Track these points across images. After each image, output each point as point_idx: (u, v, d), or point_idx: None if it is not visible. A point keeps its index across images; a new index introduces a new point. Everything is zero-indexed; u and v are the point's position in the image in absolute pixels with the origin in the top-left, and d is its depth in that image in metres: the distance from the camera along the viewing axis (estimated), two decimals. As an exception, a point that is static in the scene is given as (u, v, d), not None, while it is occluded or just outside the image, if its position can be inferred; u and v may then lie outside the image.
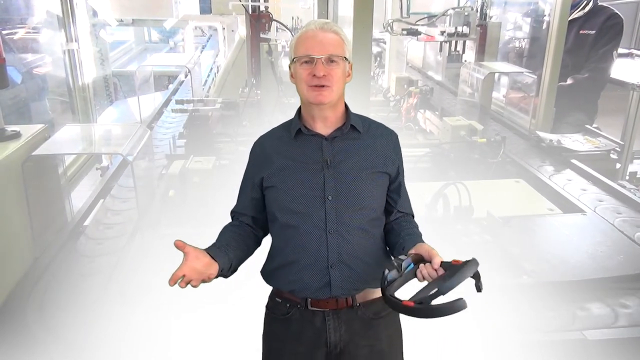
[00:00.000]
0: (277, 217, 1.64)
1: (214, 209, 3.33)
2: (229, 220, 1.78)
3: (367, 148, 1.66)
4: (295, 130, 1.65)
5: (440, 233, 3.02)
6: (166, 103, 6.24)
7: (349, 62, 1.62)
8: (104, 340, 2.33)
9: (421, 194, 3.29)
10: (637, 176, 4.73)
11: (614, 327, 2.41)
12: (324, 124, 1.65)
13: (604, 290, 2.66)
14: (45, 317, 2.51)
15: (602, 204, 3.57)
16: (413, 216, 1.78)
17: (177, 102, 4.72)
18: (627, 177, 4.68)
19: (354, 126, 1.66)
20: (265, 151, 1.69)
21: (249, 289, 1.75)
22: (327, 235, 1.59)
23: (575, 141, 4.65)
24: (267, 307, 1.73)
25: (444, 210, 3.16)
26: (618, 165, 4.61)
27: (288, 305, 1.65)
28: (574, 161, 4.27)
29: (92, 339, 2.35)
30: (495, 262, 2.82)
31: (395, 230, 1.69)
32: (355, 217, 1.61)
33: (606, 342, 2.32)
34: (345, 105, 1.69)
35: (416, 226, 1.71)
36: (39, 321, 2.47)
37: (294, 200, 1.60)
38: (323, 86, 1.55)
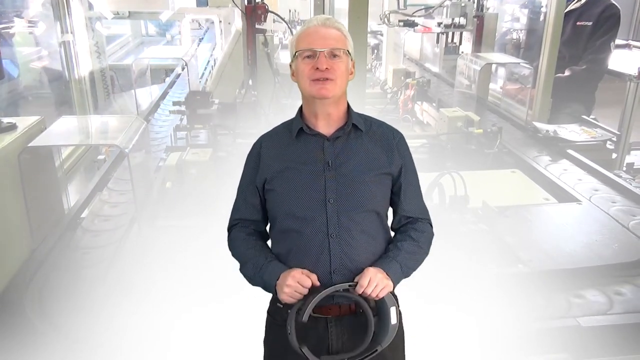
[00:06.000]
0: (278, 222, 1.62)
1: (211, 201, 3.34)
2: (227, 213, 1.74)
3: (369, 148, 1.62)
4: (297, 129, 1.62)
5: (436, 222, 3.03)
6: (163, 96, 6.24)
7: (351, 59, 1.60)
8: (104, 329, 2.34)
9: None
10: (635, 167, 4.75)
11: (608, 314, 2.43)
12: (326, 122, 1.61)
13: (599, 278, 2.67)
14: (44, 307, 2.51)
15: (598, 193, 3.58)
16: (428, 220, 1.72)
17: (175, 103, 4.74)
18: (624, 168, 4.69)
19: (356, 125, 1.63)
20: (265, 152, 1.66)
21: (250, 293, 1.73)
22: (329, 240, 1.55)
23: (571, 132, 4.66)
24: (268, 312, 1.70)
25: (439, 199, 3.18)
26: (614, 156, 4.62)
27: (289, 310, 1.60)
28: (570, 151, 4.28)
29: (92, 328, 2.35)
30: (491, 251, 2.83)
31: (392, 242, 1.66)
32: (357, 220, 1.57)
33: (601, 328, 2.34)
34: (347, 104, 1.66)
35: (411, 236, 1.64)
36: (37, 312, 2.48)
37: (295, 204, 1.57)
38: (326, 79, 1.52)
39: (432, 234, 1.72)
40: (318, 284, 1.52)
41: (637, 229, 3.09)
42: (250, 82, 4.84)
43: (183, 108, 4.51)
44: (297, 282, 1.50)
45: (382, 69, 6.92)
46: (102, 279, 2.72)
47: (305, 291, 1.50)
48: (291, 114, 1.69)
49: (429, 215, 1.74)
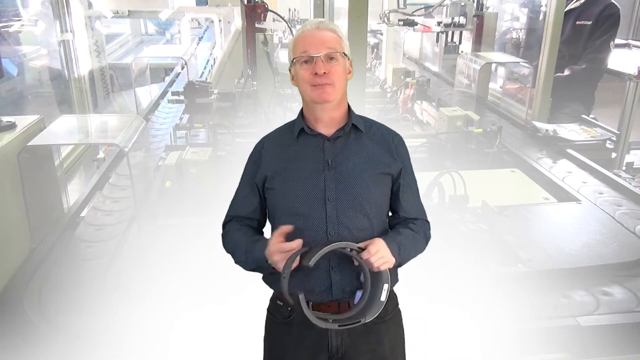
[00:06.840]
0: (277, 220, 1.62)
1: (211, 200, 3.34)
2: (225, 211, 1.74)
3: (369, 149, 1.64)
4: (298, 130, 1.64)
5: (436, 222, 3.03)
6: (162, 95, 6.24)
7: (348, 59, 1.61)
8: (104, 328, 2.34)
9: (418, 184, 3.30)
10: (634, 166, 4.75)
11: (608, 313, 2.43)
12: (327, 124, 1.63)
13: (599, 277, 2.67)
14: (44, 306, 2.51)
15: (597, 192, 3.58)
16: (426, 221, 1.72)
17: (174, 93, 4.75)
18: (624, 167, 4.69)
19: (356, 125, 1.64)
20: (266, 152, 1.67)
21: (250, 292, 1.73)
22: (328, 238, 1.56)
23: (571, 131, 4.66)
24: (268, 310, 1.71)
25: (439, 199, 3.17)
26: (614, 155, 4.62)
27: (290, 308, 1.62)
28: (569, 151, 4.29)
29: (92, 327, 2.35)
30: (491, 251, 2.83)
31: None
32: (356, 219, 1.58)
33: (600, 328, 2.34)
34: (348, 105, 1.67)
35: (410, 228, 1.64)
36: (37, 310, 2.48)
37: (295, 202, 1.59)
38: (325, 84, 1.54)
39: (429, 235, 1.72)
40: (301, 242, 1.51)
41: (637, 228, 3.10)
42: (249, 72, 4.83)
43: (182, 97, 4.50)
44: (278, 244, 1.49)
45: (381, 68, 6.91)
46: (102, 277, 2.72)
47: (292, 246, 1.49)
48: (291, 103, 1.70)
49: (427, 217, 1.75)
